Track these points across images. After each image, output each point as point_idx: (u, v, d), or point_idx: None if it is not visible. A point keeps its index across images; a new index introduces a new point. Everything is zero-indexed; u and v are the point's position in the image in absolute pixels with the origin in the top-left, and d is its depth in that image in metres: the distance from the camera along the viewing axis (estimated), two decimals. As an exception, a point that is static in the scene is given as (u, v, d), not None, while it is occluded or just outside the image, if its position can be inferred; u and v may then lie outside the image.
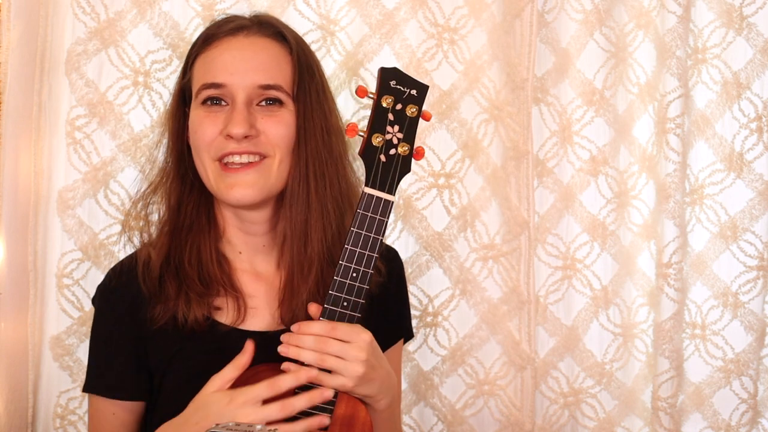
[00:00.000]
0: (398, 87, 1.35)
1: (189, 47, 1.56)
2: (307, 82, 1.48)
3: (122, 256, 1.62)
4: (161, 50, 1.92)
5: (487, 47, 2.02)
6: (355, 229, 1.36)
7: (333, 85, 1.92)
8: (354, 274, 1.37)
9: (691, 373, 2.19)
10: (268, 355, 1.39)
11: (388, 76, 1.36)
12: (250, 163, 1.44)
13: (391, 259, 1.68)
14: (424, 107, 1.38)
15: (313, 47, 1.62)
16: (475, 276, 2.07)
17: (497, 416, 2.10)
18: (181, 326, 1.45)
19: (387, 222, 1.37)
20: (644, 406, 2.19)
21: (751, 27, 2.10)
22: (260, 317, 1.52)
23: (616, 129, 2.11)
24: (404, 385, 2.03)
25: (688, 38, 2.06)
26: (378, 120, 1.35)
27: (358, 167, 1.49)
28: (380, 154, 1.36)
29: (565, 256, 2.13)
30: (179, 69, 1.61)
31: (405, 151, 1.37)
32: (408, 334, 1.76)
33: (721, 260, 2.16)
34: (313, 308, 1.41)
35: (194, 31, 1.92)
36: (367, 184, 1.36)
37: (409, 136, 1.37)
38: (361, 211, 1.36)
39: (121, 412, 1.54)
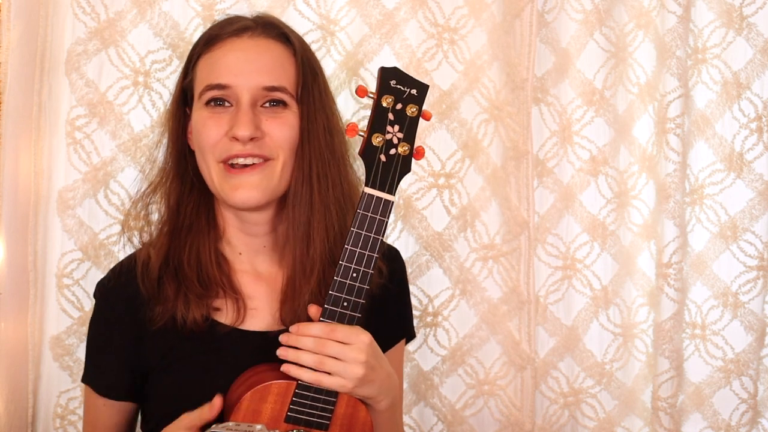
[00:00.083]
0: (398, 86, 1.35)
1: (189, 47, 1.56)
2: (310, 83, 1.48)
3: (122, 256, 1.63)
4: (161, 50, 1.92)
5: (487, 47, 2.02)
6: (355, 229, 1.35)
7: (333, 85, 1.92)
8: (354, 275, 1.36)
9: (691, 373, 2.19)
10: (269, 356, 1.39)
11: (388, 75, 1.35)
12: (254, 165, 1.43)
13: (392, 259, 1.68)
14: (424, 107, 1.38)
15: (313, 47, 1.62)
16: (475, 276, 2.07)
17: (497, 416, 2.10)
18: (180, 327, 1.45)
19: (387, 222, 1.36)
20: (644, 406, 2.19)
21: (751, 27, 2.10)
22: (260, 318, 1.51)
23: (616, 129, 2.11)
24: (404, 385, 2.03)
25: (688, 38, 2.06)
26: (378, 120, 1.35)
27: (359, 167, 1.49)
28: (380, 153, 1.35)
29: (565, 256, 2.13)
30: (179, 69, 1.60)
31: (405, 150, 1.36)
32: (410, 335, 1.75)
33: (721, 260, 2.17)
34: (313, 309, 1.41)
35: (194, 31, 1.92)
36: (367, 184, 1.36)
37: (410, 135, 1.37)
38: (361, 211, 1.35)
39: (111, 408, 1.55)
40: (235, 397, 1.38)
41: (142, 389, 1.53)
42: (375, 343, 1.41)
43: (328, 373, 1.36)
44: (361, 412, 1.43)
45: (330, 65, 1.97)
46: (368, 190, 1.35)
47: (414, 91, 1.36)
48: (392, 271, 1.63)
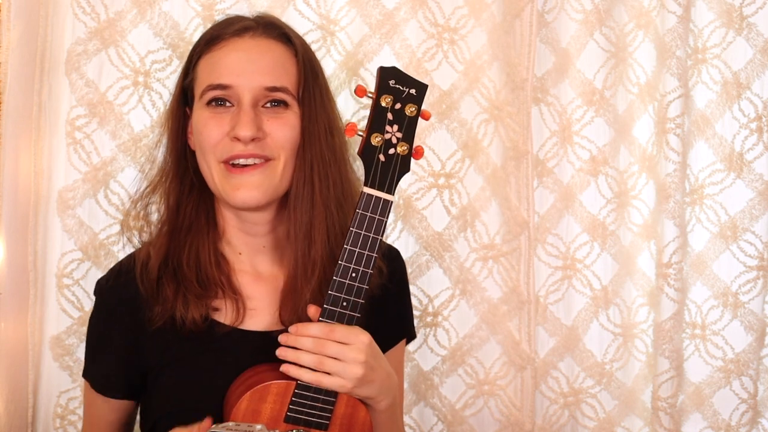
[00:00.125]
0: (397, 86, 1.35)
1: (189, 47, 1.56)
2: (311, 83, 1.48)
3: (122, 256, 1.62)
4: (161, 50, 1.92)
5: (487, 47, 2.02)
6: (354, 229, 1.35)
7: (333, 85, 1.92)
8: (353, 274, 1.36)
9: (691, 373, 2.19)
10: (269, 356, 1.39)
11: (387, 75, 1.35)
12: (255, 165, 1.43)
13: (392, 259, 1.68)
14: (423, 106, 1.38)
15: (313, 47, 1.62)
16: (475, 276, 2.07)
17: (497, 416, 2.10)
18: (179, 327, 1.45)
19: (386, 222, 1.36)
20: (644, 406, 2.19)
21: (751, 27, 2.10)
22: (260, 318, 1.51)
23: (616, 129, 2.11)
24: (404, 385, 2.03)
25: (688, 38, 2.06)
26: (377, 119, 1.35)
27: (359, 167, 1.49)
28: (379, 153, 1.35)
29: (565, 256, 2.13)
30: (179, 69, 1.60)
31: (404, 150, 1.36)
32: (410, 335, 1.75)
33: (721, 260, 2.17)
34: (312, 310, 1.40)
35: (194, 31, 1.92)
36: (366, 184, 1.35)
37: (409, 135, 1.37)
38: (360, 211, 1.35)
39: (109, 405, 1.56)
40: (235, 397, 1.38)
41: (140, 389, 1.53)
42: (374, 343, 1.41)
43: (328, 374, 1.36)
44: (360, 412, 1.43)
45: (330, 65, 1.97)
46: (367, 190, 1.35)
47: (413, 91, 1.36)
48: (392, 270, 1.63)
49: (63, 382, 1.94)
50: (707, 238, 2.17)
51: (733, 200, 2.15)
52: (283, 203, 1.51)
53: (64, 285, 1.91)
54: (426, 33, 2.01)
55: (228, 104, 1.45)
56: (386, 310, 1.60)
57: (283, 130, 1.44)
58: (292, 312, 1.48)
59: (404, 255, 1.83)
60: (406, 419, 2.07)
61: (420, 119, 1.38)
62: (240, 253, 1.55)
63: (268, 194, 1.45)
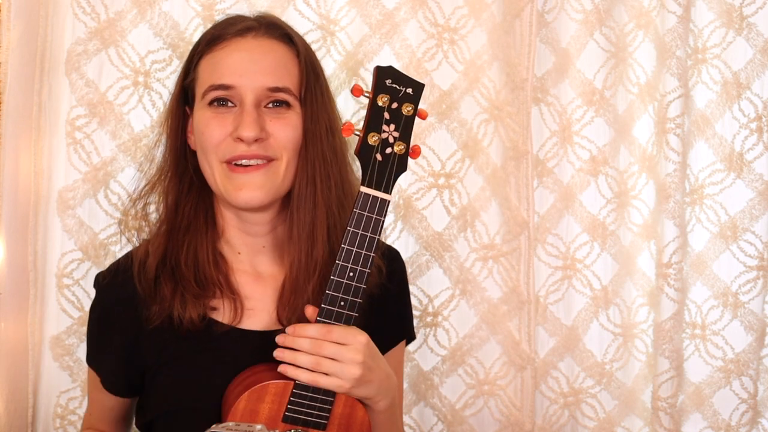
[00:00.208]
0: (394, 85, 1.35)
1: (189, 47, 1.57)
2: (313, 84, 1.48)
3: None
4: (161, 50, 1.92)
5: (487, 47, 2.02)
6: (351, 228, 1.35)
7: (333, 85, 1.92)
8: (351, 274, 1.37)
9: (691, 373, 2.19)
10: (267, 356, 1.39)
11: (383, 74, 1.35)
12: (258, 165, 1.43)
13: (392, 259, 1.68)
14: (421, 106, 1.38)
15: (313, 47, 1.62)
16: (475, 276, 2.07)
17: (497, 416, 2.10)
18: (177, 326, 1.45)
19: (383, 221, 1.36)
20: (644, 406, 2.19)
21: (751, 27, 2.10)
22: (258, 317, 1.51)
23: (616, 129, 2.11)
24: (404, 385, 2.03)
25: (688, 38, 2.06)
26: (374, 119, 1.35)
27: (358, 168, 1.49)
28: (376, 153, 1.35)
29: (565, 256, 2.13)
30: (179, 69, 1.60)
31: (401, 149, 1.36)
32: (410, 336, 1.75)
33: (721, 260, 2.16)
34: (310, 310, 1.41)
35: (194, 31, 1.92)
36: (363, 183, 1.35)
37: (406, 134, 1.37)
38: (357, 210, 1.35)
39: (109, 397, 1.58)
40: (233, 397, 1.39)
41: (141, 388, 1.53)
42: (372, 344, 1.41)
43: (326, 374, 1.36)
44: (359, 411, 1.43)
45: (330, 65, 1.97)
46: (364, 189, 1.35)
47: (410, 90, 1.36)
48: (392, 271, 1.63)
49: (63, 382, 1.94)
50: (707, 238, 2.16)
51: (733, 200, 2.15)
52: (283, 203, 1.51)
53: (64, 285, 1.91)
54: (426, 33, 2.01)
55: (230, 104, 1.45)
56: (386, 311, 1.60)
57: (285, 130, 1.44)
58: (291, 312, 1.48)
59: (404, 255, 1.83)
60: (406, 419, 2.07)
61: (417, 118, 1.38)
62: (239, 253, 1.55)
63: (270, 194, 1.45)
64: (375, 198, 1.35)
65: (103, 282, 1.54)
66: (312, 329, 1.36)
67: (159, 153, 1.57)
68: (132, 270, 1.49)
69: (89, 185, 1.90)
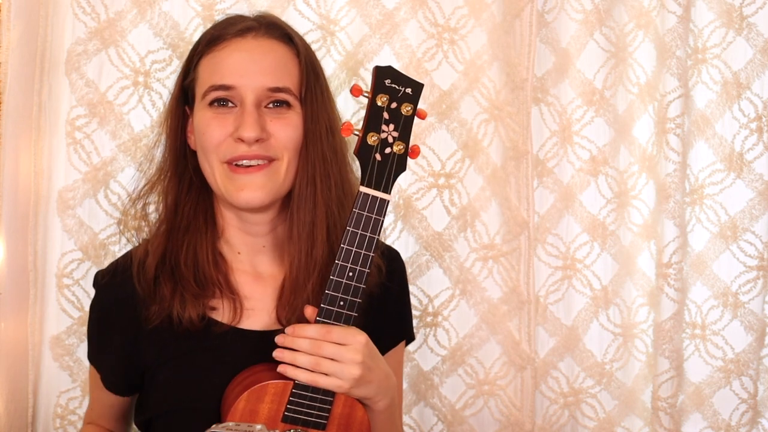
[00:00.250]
0: (393, 85, 1.35)
1: (189, 47, 1.56)
2: (313, 84, 1.48)
3: (122, 256, 1.63)
4: (161, 50, 1.92)
5: (487, 47, 2.02)
6: (351, 228, 1.35)
7: (333, 85, 1.92)
8: (350, 273, 1.37)
9: (691, 373, 2.19)
10: (267, 356, 1.39)
11: (382, 74, 1.35)
12: (259, 165, 1.44)
13: (392, 259, 1.68)
14: (420, 105, 1.38)
15: (313, 47, 1.62)
16: (475, 276, 2.07)
17: (497, 416, 2.09)
18: (176, 326, 1.45)
19: (383, 221, 1.36)
20: (644, 406, 2.19)
21: (751, 27, 2.10)
22: (258, 317, 1.52)
23: (616, 129, 2.11)
24: (404, 385, 2.03)
25: (688, 38, 2.06)
26: (373, 119, 1.35)
27: (358, 168, 1.49)
28: (375, 152, 1.35)
29: (565, 256, 2.13)
30: (179, 69, 1.60)
31: (400, 149, 1.36)
32: (409, 336, 1.75)
33: (721, 260, 2.16)
34: (309, 311, 1.41)
35: (194, 31, 1.92)
36: (362, 183, 1.35)
37: (405, 134, 1.36)
38: (357, 210, 1.35)
39: (109, 395, 1.58)
40: (232, 396, 1.39)
41: (139, 386, 1.53)
42: (371, 344, 1.41)
43: (325, 374, 1.36)
44: (358, 411, 1.43)
45: (330, 65, 1.97)
46: (364, 189, 1.35)
47: (409, 90, 1.36)
48: (392, 271, 1.63)
49: (63, 382, 1.94)
50: (707, 238, 2.16)
51: (733, 200, 2.15)
52: (283, 203, 1.51)
53: (64, 285, 1.91)
54: (426, 33, 2.01)
55: (230, 105, 1.45)
56: (386, 311, 1.61)
57: (286, 130, 1.44)
58: (291, 312, 1.48)
59: (404, 255, 1.83)
60: (406, 419, 2.07)
61: (416, 118, 1.38)
62: (239, 253, 1.55)
63: (271, 195, 1.45)
64: (374, 198, 1.35)
65: (102, 281, 1.54)
66: (311, 329, 1.36)
67: (159, 153, 1.57)
68: (131, 270, 1.49)
69: (89, 185, 1.90)
